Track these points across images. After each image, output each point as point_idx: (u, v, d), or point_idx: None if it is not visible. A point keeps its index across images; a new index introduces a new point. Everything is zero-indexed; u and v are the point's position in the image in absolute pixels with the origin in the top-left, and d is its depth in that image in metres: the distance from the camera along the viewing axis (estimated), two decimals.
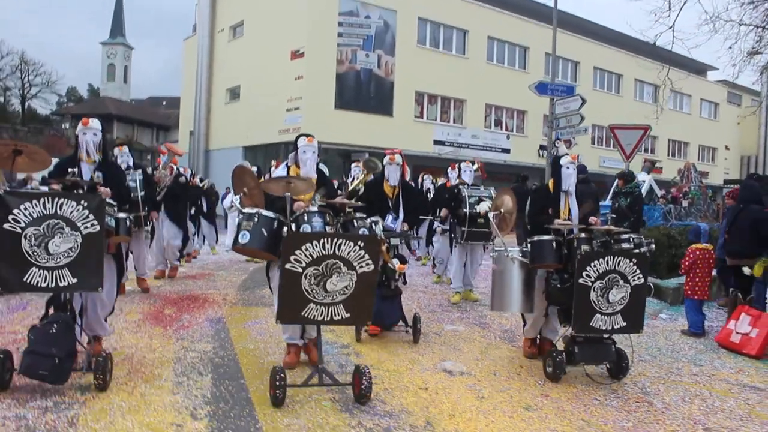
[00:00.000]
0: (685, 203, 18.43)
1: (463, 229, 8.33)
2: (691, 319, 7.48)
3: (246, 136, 28.82)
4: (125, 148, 8.47)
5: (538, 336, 6.09)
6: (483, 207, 8.12)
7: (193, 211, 11.88)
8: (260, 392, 4.64)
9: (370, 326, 6.20)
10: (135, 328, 6.53)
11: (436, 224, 10.05)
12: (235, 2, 31.15)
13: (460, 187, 8.73)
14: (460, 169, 9.41)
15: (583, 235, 5.49)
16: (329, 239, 4.31)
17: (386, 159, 7.53)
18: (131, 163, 8.28)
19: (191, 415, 4.14)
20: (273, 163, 12.17)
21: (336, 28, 26.26)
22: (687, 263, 7.61)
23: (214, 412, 4.22)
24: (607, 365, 5.42)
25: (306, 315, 4.37)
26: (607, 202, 14.29)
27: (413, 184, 12.84)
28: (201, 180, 14.28)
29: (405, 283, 7.06)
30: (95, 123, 5.34)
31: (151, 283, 9.03)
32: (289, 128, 26.14)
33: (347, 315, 4.44)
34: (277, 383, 4.27)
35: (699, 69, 42.48)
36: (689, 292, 7.51)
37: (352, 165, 11.78)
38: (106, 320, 5.30)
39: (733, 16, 13.75)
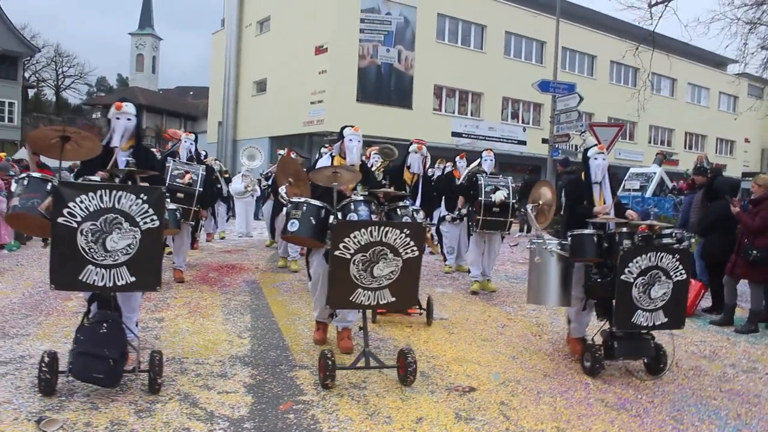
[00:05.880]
0: None
1: (478, 217, 8.26)
2: None
3: (272, 127, 30.41)
4: (192, 135, 8.69)
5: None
6: (499, 196, 8.15)
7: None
8: (287, 325, 6.28)
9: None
10: (187, 286, 8.20)
11: (444, 212, 10.30)
12: None
13: (478, 175, 8.63)
14: (481, 157, 9.17)
15: (624, 229, 5.30)
16: (377, 227, 4.49)
17: (413, 147, 7.86)
18: (194, 151, 8.52)
19: (238, 336, 5.80)
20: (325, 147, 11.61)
21: (358, 24, 27.70)
22: None
23: (254, 335, 5.87)
24: (645, 360, 5.35)
25: (354, 300, 4.54)
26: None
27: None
28: (216, 162, 14.17)
29: None
30: (129, 107, 5.00)
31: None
32: (313, 120, 27.74)
33: (393, 299, 4.64)
34: (329, 364, 4.41)
35: (719, 62, 43.10)
36: None
37: (371, 152, 11.47)
38: (137, 324, 5.04)
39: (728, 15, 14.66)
